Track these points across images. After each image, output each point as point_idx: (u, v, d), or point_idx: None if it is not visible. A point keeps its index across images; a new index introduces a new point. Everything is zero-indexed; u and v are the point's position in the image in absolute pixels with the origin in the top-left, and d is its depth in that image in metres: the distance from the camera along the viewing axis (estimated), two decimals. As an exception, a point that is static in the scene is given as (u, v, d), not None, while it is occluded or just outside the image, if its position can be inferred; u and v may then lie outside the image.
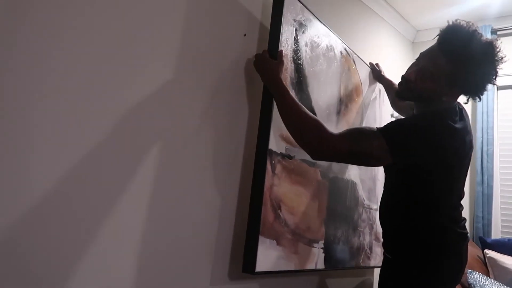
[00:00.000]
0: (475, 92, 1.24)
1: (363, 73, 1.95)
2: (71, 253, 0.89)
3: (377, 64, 2.05)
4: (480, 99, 1.29)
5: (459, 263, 1.26)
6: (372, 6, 2.42)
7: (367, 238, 1.89)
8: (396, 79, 1.94)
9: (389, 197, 1.33)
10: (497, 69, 1.20)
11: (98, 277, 0.94)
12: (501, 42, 1.21)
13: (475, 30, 1.20)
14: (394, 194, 1.30)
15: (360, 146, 1.18)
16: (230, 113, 1.32)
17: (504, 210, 2.47)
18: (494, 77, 1.21)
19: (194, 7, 1.20)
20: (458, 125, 1.22)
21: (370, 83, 2.03)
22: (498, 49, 1.19)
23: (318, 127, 1.21)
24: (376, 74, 2.04)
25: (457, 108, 1.26)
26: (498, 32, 2.67)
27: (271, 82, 1.32)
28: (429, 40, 3.11)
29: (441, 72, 1.21)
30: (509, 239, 2.24)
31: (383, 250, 1.33)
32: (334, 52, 1.72)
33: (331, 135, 1.20)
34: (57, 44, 0.88)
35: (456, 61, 1.18)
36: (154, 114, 1.07)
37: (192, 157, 1.18)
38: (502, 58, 1.20)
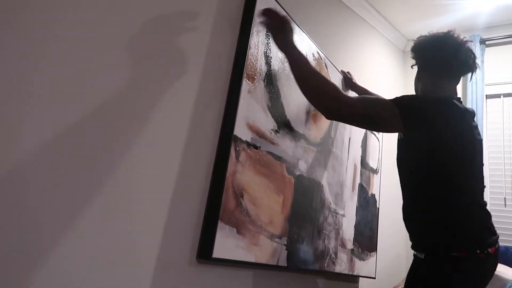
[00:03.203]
0: (455, 68, 1.41)
1: (335, 79, 1.98)
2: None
3: (348, 72, 2.10)
4: (471, 78, 1.50)
5: (494, 258, 1.29)
6: (363, 15, 2.50)
7: (333, 242, 1.87)
8: (387, 87, 1.99)
9: (412, 195, 1.39)
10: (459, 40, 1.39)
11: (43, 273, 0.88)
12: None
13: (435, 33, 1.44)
14: (417, 190, 1.36)
15: (374, 109, 1.30)
16: (200, 96, 1.30)
17: (494, 218, 2.49)
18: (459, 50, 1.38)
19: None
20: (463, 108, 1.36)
21: (342, 90, 2.06)
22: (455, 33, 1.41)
23: (336, 89, 1.34)
24: (349, 82, 2.08)
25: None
26: (487, 42, 2.78)
27: (286, 45, 1.39)
28: None
29: (420, 70, 1.50)
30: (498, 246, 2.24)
31: (413, 252, 1.38)
32: (306, 53, 1.74)
33: (349, 97, 1.34)
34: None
35: (421, 51, 1.44)
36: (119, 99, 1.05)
37: (157, 138, 1.15)
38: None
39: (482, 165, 1.40)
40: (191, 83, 1.26)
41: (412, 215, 1.40)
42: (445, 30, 1.41)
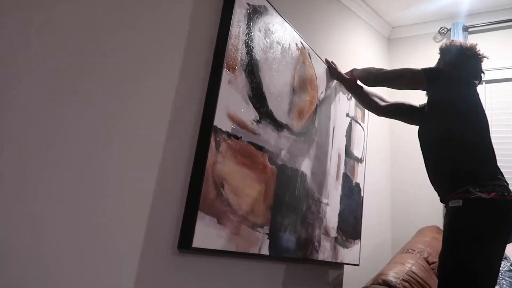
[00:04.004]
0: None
1: (319, 68, 1.99)
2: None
3: (332, 62, 2.10)
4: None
5: None
6: (348, 3, 2.50)
7: (316, 231, 1.89)
8: None
9: (439, 156, 1.65)
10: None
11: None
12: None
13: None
14: (444, 148, 1.63)
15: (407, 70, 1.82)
16: (180, 87, 1.30)
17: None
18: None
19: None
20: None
21: (327, 80, 2.06)
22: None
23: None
24: (334, 71, 2.09)
25: None
26: (470, 29, 2.80)
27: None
28: (405, 36, 3.26)
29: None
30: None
31: (447, 204, 1.56)
32: (289, 43, 1.74)
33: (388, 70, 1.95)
34: None
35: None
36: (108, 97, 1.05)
37: (138, 129, 1.15)
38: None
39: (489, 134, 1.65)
40: (171, 73, 1.26)
41: (441, 172, 1.64)
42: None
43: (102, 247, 1.05)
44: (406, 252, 2.25)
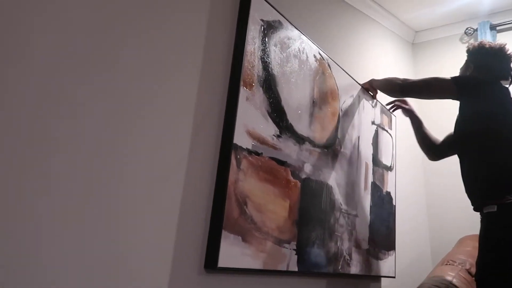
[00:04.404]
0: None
1: (340, 78, 1.96)
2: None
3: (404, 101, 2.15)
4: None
5: None
6: (367, 11, 2.48)
7: (346, 244, 1.85)
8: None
9: (475, 161, 1.61)
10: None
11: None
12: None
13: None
14: (480, 153, 1.59)
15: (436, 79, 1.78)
16: (199, 106, 1.31)
17: None
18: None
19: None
20: None
21: (348, 89, 2.03)
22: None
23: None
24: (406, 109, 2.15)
25: None
26: (498, 28, 2.71)
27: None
28: (429, 39, 3.21)
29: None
30: None
31: (481, 211, 1.53)
32: (307, 55, 1.73)
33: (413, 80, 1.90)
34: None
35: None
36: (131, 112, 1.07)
37: (163, 151, 1.17)
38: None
39: None
40: (189, 94, 1.28)
41: (477, 177, 1.59)
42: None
43: (131, 268, 1.07)
44: (446, 264, 2.15)
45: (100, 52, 1.05)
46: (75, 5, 1.01)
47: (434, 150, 1.99)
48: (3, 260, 0.84)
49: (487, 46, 1.78)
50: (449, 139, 1.93)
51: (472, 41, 2.76)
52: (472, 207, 1.61)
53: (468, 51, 1.85)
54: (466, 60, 1.86)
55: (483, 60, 1.76)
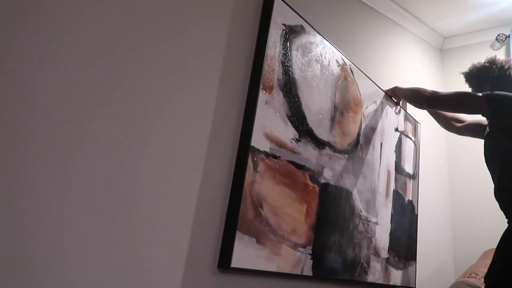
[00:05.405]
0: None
1: (363, 84, 1.95)
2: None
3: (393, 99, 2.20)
4: None
5: None
6: (394, 17, 2.45)
7: (365, 251, 1.82)
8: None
9: (506, 176, 1.62)
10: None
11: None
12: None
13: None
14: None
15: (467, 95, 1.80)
16: (218, 109, 1.34)
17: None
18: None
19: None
20: None
21: (371, 95, 2.02)
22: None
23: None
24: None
25: None
26: None
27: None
28: (459, 46, 3.16)
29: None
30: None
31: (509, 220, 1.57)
32: (329, 60, 1.73)
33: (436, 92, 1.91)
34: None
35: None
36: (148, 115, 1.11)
37: (181, 152, 1.20)
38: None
39: None
40: (208, 96, 1.30)
41: (509, 189, 1.61)
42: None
43: (146, 266, 1.10)
44: (468, 277, 2.09)
45: (128, 56, 1.09)
46: (108, 14, 1.05)
47: (455, 128, 2.07)
48: (23, 260, 0.88)
49: (488, 64, 1.86)
50: (476, 126, 1.97)
51: (503, 48, 2.68)
52: (506, 220, 1.61)
53: (468, 74, 1.92)
54: (473, 84, 1.90)
55: (497, 78, 1.80)
